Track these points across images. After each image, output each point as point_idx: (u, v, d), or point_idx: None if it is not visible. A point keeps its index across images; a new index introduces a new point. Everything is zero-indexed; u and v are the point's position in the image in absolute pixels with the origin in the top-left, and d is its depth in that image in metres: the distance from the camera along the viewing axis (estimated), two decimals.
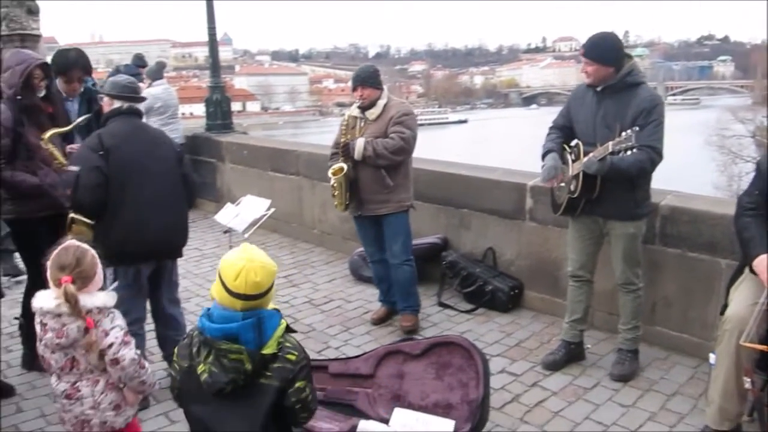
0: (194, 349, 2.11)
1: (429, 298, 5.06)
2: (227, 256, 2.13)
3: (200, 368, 2.07)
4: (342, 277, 5.62)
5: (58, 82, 4.21)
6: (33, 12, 14.78)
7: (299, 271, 5.81)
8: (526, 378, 3.85)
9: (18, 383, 3.86)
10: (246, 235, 4.45)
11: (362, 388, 3.47)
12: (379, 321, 4.65)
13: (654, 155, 3.43)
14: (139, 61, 8.76)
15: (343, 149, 4.32)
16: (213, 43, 8.46)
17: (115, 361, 2.43)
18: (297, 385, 2.09)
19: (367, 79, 4.30)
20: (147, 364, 2.57)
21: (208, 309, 2.13)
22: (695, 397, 3.57)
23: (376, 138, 4.25)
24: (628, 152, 3.22)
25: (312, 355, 4.10)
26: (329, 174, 4.39)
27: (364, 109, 4.35)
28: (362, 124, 4.39)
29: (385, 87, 4.41)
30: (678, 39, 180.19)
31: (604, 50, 3.54)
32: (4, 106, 3.67)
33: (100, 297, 2.44)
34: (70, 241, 2.50)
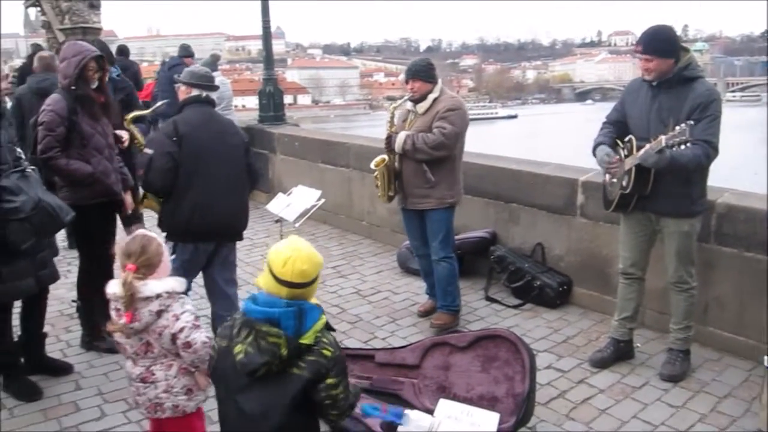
0: (235, 330, 2.17)
1: (476, 292, 5.06)
2: (276, 246, 2.20)
3: (237, 348, 2.13)
4: (390, 269, 5.66)
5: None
6: (95, 6, 15.31)
7: (347, 262, 5.87)
8: (573, 375, 3.82)
9: (77, 362, 4.02)
10: (296, 225, 4.52)
11: (408, 378, 3.50)
12: (426, 314, 4.64)
13: (710, 150, 3.35)
14: (185, 52, 9.03)
15: (387, 142, 4.36)
16: (267, 36, 8.57)
17: (187, 345, 2.48)
18: (328, 381, 2.13)
19: (419, 72, 4.28)
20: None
21: (254, 294, 2.20)
22: (748, 400, 3.49)
23: (420, 132, 4.23)
24: (682, 146, 3.15)
25: (358, 345, 4.17)
26: (371, 165, 4.44)
27: (415, 102, 4.34)
28: (412, 117, 4.40)
29: (439, 81, 4.36)
30: (741, 33, 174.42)
31: (663, 42, 3.47)
32: (59, 95, 3.83)
33: (168, 282, 2.52)
34: (138, 231, 2.62)
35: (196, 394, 2.60)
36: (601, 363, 3.89)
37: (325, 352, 2.14)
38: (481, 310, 4.78)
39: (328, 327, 2.23)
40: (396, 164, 4.39)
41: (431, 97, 4.28)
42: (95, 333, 4.14)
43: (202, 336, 2.51)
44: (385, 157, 4.37)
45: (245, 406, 2.14)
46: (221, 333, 2.26)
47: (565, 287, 4.77)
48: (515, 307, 4.79)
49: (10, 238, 3.28)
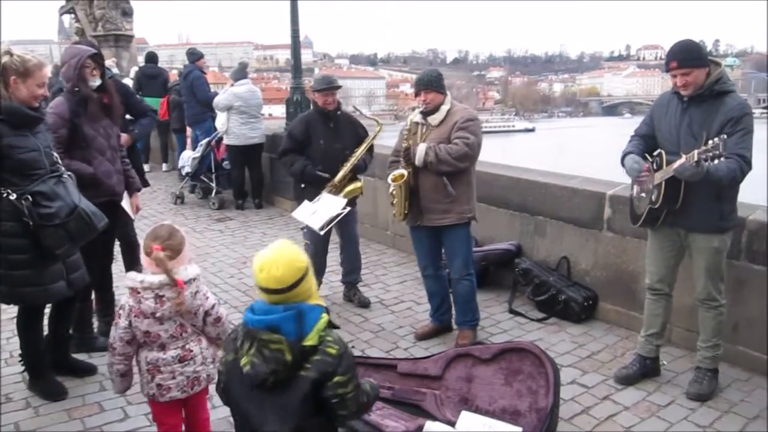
0: (239, 343, 2.18)
1: (500, 304, 5.02)
2: (259, 252, 2.19)
3: (243, 361, 2.12)
4: (413, 279, 5.64)
5: None
6: (127, 13, 15.57)
7: (371, 272, 5.87)
8: (597, 391, 3.77)
9: (101, 363, 4.03)
10: (322, 233, 4.53)
11: (430, 389, 3.48)
12: (423, 337, 4.48)
13: (743, 164, 3.29)
14: (194, 57, 9.21)
15: (405, 155, 4.20)
16: (296, 45, 8.64)
17: (218, 319, 2.83)
18: (336, 379, 2.10)
19: (431, 83, 4.17)
20: None
21: (252, 303, 2.19)
22: None
23: (438, 144, 4.12)
24: (715, 161, 3.10)
25: (380, 354, 4.16)
26: (389, 180, 4.29)
27: (427, 114, 4.21)
28: (424, 129, 4.24)
29: (448, 92, 4.29)
30: None
31: (695, 52, 3.42)
32: (62, 98, 3.93)
33: (194, 268, 2.79)
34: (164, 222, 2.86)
35: (218, 362, 2.75)
36: (627, 380, 3.83)
37: (329, 350, 2.12)
38: (505, 322, 4.74)
39: (332, 325, 2.21)
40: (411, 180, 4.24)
41: (444, 108, 4.18)
42: (88, 333, 4.25)
43: (225, 311, 2.88)
44: (404, 172, 4.21)
45: (266, 421, 2.13)
46: (227, 347, 2.27)
47: (590, 302, 4.71)
48: (539, 320, 4.74)
49: (45, 242, 3.34)
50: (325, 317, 2.18)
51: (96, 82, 4.03)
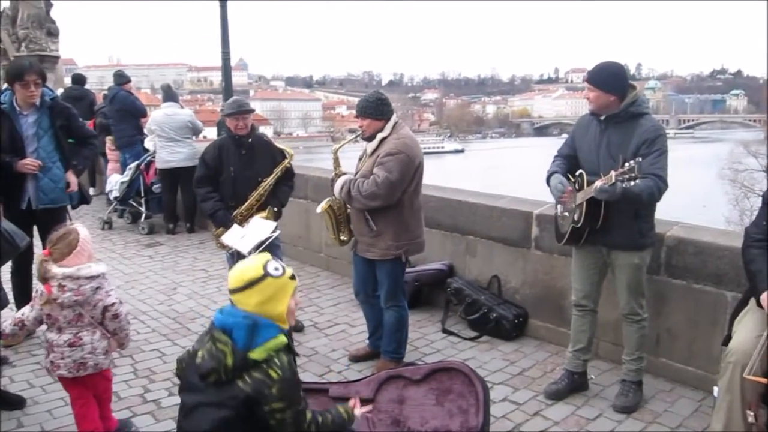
0: (204, 337, 2.27)
1: (433, 324, 5.05)
2: None
3: (199, 352, 2.20)
4: (347, 301, 5.62)
5: (16, 89, 4.31)
6: (53, 34, 15.11)
7: (305, 295, 5.81)
8: (528, 407, 3.82)
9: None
10: (250, 257, 4.46)
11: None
12: (357, 359, 4.43)
13: (660, 183, 3.42)
14: (121, 79, 9.03)
15: (331, 184, 4.17)
16: (226, 68, 8.60)
17: (116, 316, 3.17)
18: (273, 405, 2.14)
19: (366, 109, 3.99)
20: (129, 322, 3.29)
21: (224, 306, 2.31)
22: (699, 430, 3.53)
23: (365, 176, 3.97)
24: (632, 183, 3.22)
25: (313, 379, 4.11)
26: (317, 210, 4.25)
27: (367, 140, 4.08)
28: (364, 157, 4.15)
29: (392, 118, 4.03)
30: (691, 72, 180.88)
31: (607, 77, 3.57)
32: None
33: (101, 266, 3.14)
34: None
35: (109, 354, 3.24)
36: (556, 395, 3.90)
37: (271, 372, 2.14)
38: (438, 342, 4.76)
39: (291, 351, 2.23)
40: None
41: (379, 136, 3.98)
42: None
43: (125, 310, 3.23)
44: (330, 200, 4.17)
45: (200, 416, 2.19)
46: (198, 339, 2.36)
47: (520, 319, 4.79)
48: (472, 339, 4.79)
49: None
50: (281, 339, 2.20)
51: None
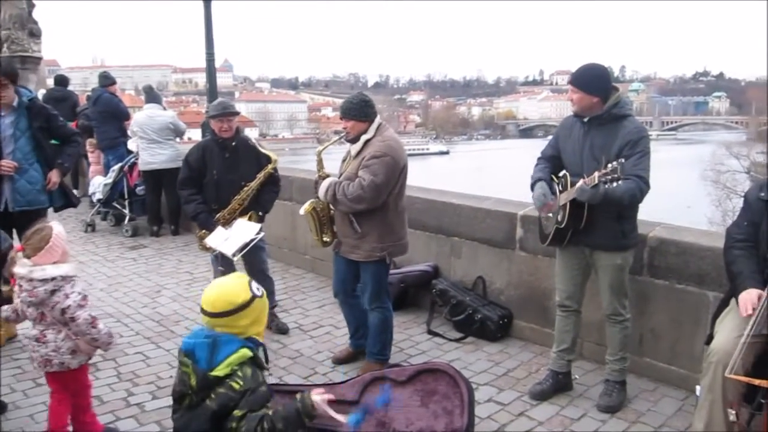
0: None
1: (419, 325, 5.05)
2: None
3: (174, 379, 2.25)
4: (332, 303, 5.57)
5: None
6: (35, 35, 14.97)
7: (289, 297, 5.80)
8: (513, 407, 3.83)
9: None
10: (235, 259, 4.45)
11: (347, 414, 3.43)
12: (339, 361, 4.44)
13: (642, 184, 3.45)
14: (106, 81, 8.94)
15: (315, 186, 4.16)
16: (211, 69, 8.56)
17: (72, 319, 3.13)
18: (235, 413, 2.13)
19: (350, 111, 3.97)
20: (101, 325, 3.21)
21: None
22: (682, 429, 3.56)
23: (349, 178, 3.97)
24: (615, 184, 3.24)
25: (298, 381, 4.10)
26: (300, 211, 4.25)
27: (351, 142, 4.06)
28: (348, 159, 4.14)
29: (376, 119, 4.04)
30: (674, 75, 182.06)
31: (590, 79, 3.59)
32: None
33: (64, 267, 3.13)
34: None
35: (78, 355, 3.21)
36: (541, 395, 3.91)
37: (234, 384, 2.15)
38: (423, 343, 4.76)
39: (256, 362, 2.22)
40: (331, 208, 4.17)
41: (363, 138, 3.97)
42: None
43: (86, 314, 3.15)
44: (313, 202, 4.18)
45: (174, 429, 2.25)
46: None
47: (505, 320, 4.81)
48: (457, 340, 4.79)
49: None
50: (243, 352, 2.20)
51: None
